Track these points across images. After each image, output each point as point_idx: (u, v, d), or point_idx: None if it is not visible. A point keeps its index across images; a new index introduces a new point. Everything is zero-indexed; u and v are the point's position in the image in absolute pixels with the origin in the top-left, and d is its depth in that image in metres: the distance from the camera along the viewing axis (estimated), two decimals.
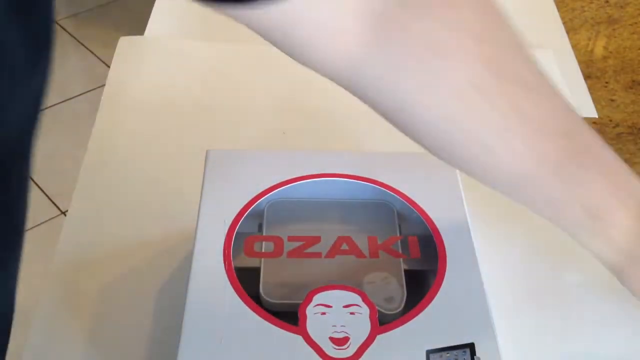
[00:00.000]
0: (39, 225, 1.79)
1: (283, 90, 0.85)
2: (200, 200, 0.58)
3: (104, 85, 0.85)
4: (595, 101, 0.84)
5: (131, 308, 0.63)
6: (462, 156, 0.48)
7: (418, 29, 0.44)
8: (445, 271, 0.54)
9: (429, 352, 0.49)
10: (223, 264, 0.53)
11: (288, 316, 0.51)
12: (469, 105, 0.45)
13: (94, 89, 2.08)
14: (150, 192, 0.73)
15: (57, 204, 1.85)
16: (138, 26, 0.96)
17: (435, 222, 0.57)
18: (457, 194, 0.60)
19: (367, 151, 0.75)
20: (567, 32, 0.94)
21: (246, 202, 0.58)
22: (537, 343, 0.61)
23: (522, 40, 0.46)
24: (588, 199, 0.48)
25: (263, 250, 0.56)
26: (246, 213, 0.57)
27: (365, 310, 0.51)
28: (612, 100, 0.84)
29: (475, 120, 0.45)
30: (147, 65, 0.88)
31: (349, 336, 0.49)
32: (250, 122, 0.81)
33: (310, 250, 0.56)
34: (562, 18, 0.96)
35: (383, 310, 0.52)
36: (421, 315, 0.51)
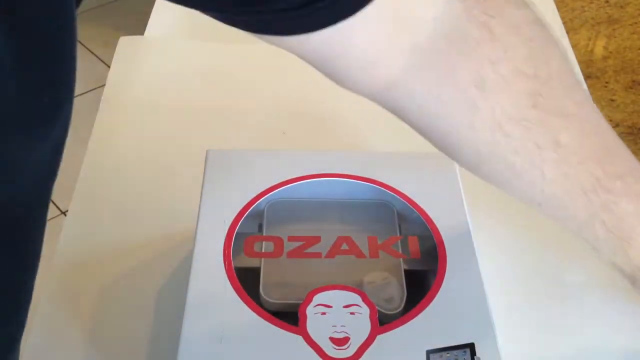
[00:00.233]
0: None
1: (283, 90, 0.85)
2: (200, 200, 0.58)
3: (104, 85, 0.85)
4: (595, 101, 0.84)
5: (131, 308, 0.63)
6: (490, 175, 0.49)
7: (463, 68, 0.44)
8: (445, 271, 0.54)
9: (429, 352, 0.49)
10: (223, 264, 0.53)
11: (288, 316, 0.51)
12: (505, 135, 0.46)
13: (94, 89, 2.08)
14: (150, 192, 0.73)
15: (57, 204, 1.85)
16: (138, 26, 0.96)
17: (435, 222, 0.57)
18: (457, 194, 0.60)
19: (367, 151, 0.75)
20: (567, 32, 0.94)
21: (246, 202, 0.58)
22: (537, 343, 0.61)
23: (567, 64, 0.47)
24: (612, 221, 0.49)
25: (263, 250, 0.56)
26: (246, 213, 0.57)
27: (365, 310, 0.51)
28: (612, 100, 0.85)
29: (510, 149, 0.46)
30: (147, 65, 0.88)
31: (349, 336, 0.49)
32: (250, 122, 0.81)
33: (310, 250, 0.56)
34: (562, 18, 0.96)
35: (383, 310, 0.52)
36: (421, 315, 0.51)
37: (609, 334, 0.62)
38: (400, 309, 0.52)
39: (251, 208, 0.58)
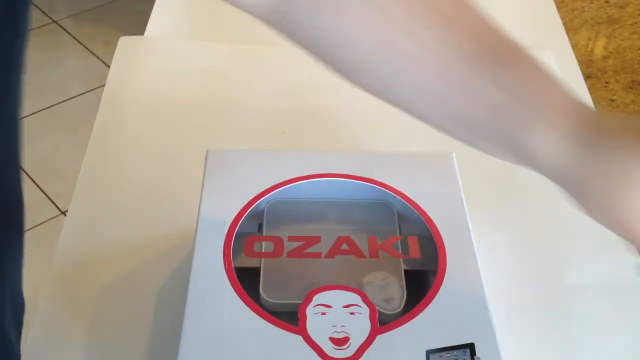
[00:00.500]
0: (39, 225, 1.80)
1: (283, 90, 0.85)
2: (200, 200, 0.58)
3: (104, 85, 0.85)
4: (595, 101, 0.84)
5: (131, 308, 0.63)
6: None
7: None
8: (445, 271, 0.54)
9: (429, 352, 0.49)
10: (223, 264, 0.53)
11: (288, 316, 0.51)
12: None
13: (94, 89, 2.08)
14: (150, 192, 0.73)
15: (57, 204, 1.85)
16: (138, 26, 0.96)
17: (435, 222, 0.57)
18: (457, 194, 0.60)
19: (367, 151, 0.75)
20: (567, 32, 0.94)
21: (246, 202, 0.58)
22: (537, 343, 0.61)
23: None
24: (513, 87, 0.44)
25: (263, 250, 0.56)
26: (246, 213, 0.57)
27: (365, 310, 0.51)
28: (612, 100, 0.85)
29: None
30: (147, 65, 0.88)
31: (349, 336, 0.49)
32: (250, 122, 0.81)
33: (310, 250, 0.56)
34: (562, 18, 0.96)
35: (383, 310, 0.52)
36: (421, 315, 0.51)
37: (608, 334, 0.62)
38: (400, 309, 0.52)
39: (251, 208, 0.58)
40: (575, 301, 0.64)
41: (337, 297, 0.52)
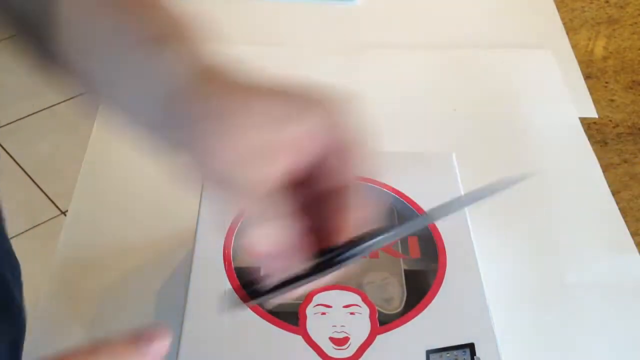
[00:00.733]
0: (39, 225, 1.80)
1: None
2: (200, 201, 0.58)
3: None
4: (595, 101, 0.84)
5: (131, 308, 0.63)
6: None
7: None
8: (445, 271, 0.54)
9: (429, 352, 0.49)
10: (223, 264, 0.53)
11: (288, 316, 0.51)
12: None
13: None
14: (150, 192, 0.73)
15: (57, 204, 1.85)
16: None
17: (435, 222, 0.57)
18: (457, 194, 0.60)
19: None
20: (567, 32, 0.94)
21: None
22: (537, 343, 0.61)
23: None
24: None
25: None
26: None
27: (365, 310, 0.51)
28: (612, 100, 0.84)
29: None
30: None
31: (349, 336, 0.49)
32: None
33: None
34: (562, 18, 0.96)
35: (383, 310, 0.52)
36: (421, 315, 0.51)
37: (608, 334, 0.62)
38: (400, 309, 0.52)
39: None
40: (575, 301, 0.64)
41: (337, 297, 0.52)
